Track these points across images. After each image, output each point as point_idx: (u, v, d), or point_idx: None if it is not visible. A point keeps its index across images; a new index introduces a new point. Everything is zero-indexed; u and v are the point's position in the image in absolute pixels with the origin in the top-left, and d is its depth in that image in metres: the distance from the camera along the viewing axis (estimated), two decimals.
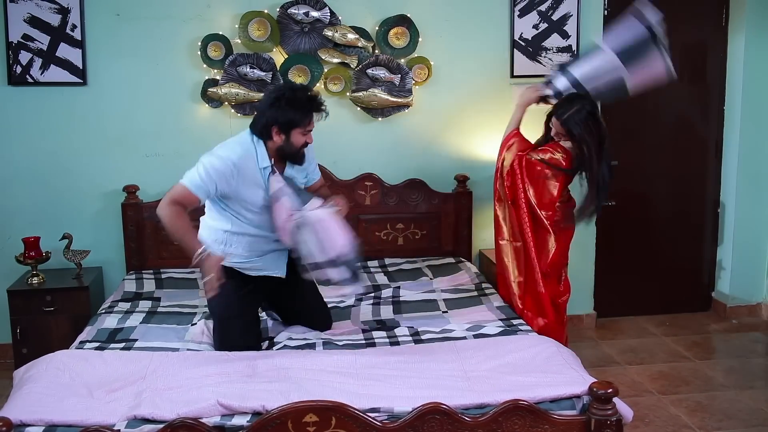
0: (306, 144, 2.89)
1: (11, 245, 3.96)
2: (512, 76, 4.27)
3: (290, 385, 2.40)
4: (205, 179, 2.77)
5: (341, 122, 4.16)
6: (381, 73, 4.08)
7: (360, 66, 4.09)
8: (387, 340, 3.01)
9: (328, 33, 4.03)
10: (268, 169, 2.86)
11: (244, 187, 2.84)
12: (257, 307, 3.12)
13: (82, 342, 2.99)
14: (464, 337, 2.98)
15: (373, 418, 2.19)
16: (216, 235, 2.97)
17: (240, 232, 2.94)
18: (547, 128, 3.38)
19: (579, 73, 3.30)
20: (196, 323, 3.18)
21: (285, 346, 2.91)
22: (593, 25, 4.30)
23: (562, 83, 3.33)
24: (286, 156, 2.89)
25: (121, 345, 2.95)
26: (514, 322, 3.17)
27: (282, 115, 2.78)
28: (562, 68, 3.37)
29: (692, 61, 4.59)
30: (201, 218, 3.09)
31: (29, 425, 2.18)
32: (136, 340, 3.00)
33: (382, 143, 4.24)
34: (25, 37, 3.87)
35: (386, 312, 3.38)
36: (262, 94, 3.99)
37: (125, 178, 4.03)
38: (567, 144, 3.28)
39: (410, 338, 3.03)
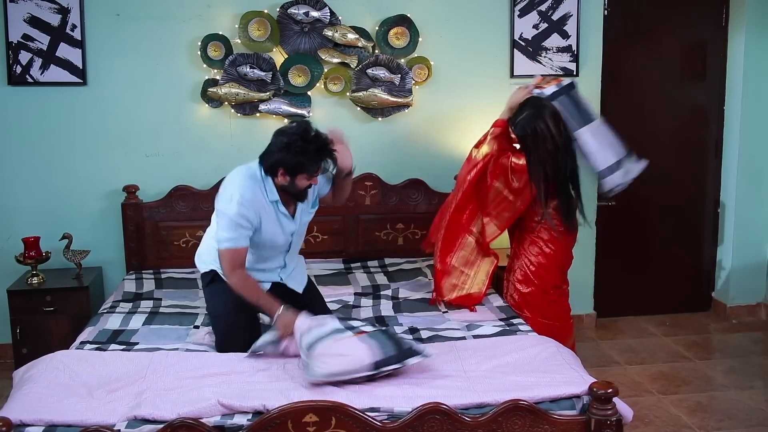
0: (311, 185, 2.87)
1: (11, 245, 3.96)
2: (512, 76, 4.27)
3: (290, 385, 2.40)
4: (236, 229, 2.78)
5: (341, 122, 4.14)
6: (381, 73, 4.08)
7: (360, 66, 4.09)
8: None
9: (328, 33, 4.03)
10: (277, 204, 2.87)
11: (262, 222, 2.86)
12: (257, 317, 3.06)
13: (83, 342, 2.98)
14: (464, 337, 2.98)
15: (372, 418, 2.19)
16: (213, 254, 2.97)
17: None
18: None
19: (567, 104, 3.32)
20: (199, 326, 3.17)
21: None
22: (593, 25, 4.30)
23: (550, 91, 3.35)
24: (289, 194, 2.88)
25: (122, 347, 2.94)
26: (514, 321, 3.17)
27: (291, 160, 2.74)
28: (561, 90, 3.35)
29: (692, 61, 4.60)
30: (206, 233, 3.14)
31: (29, 425, 2.18)
32: (137, 342, 2.99)
33: (382, 143, 4.24)
34: (25, 37, 3.87)
35: (387, 311, 3.37)
36: (262, 94, 4.00)
37: (125, 178, 4.03)
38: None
39: (409, 338, 3.02)
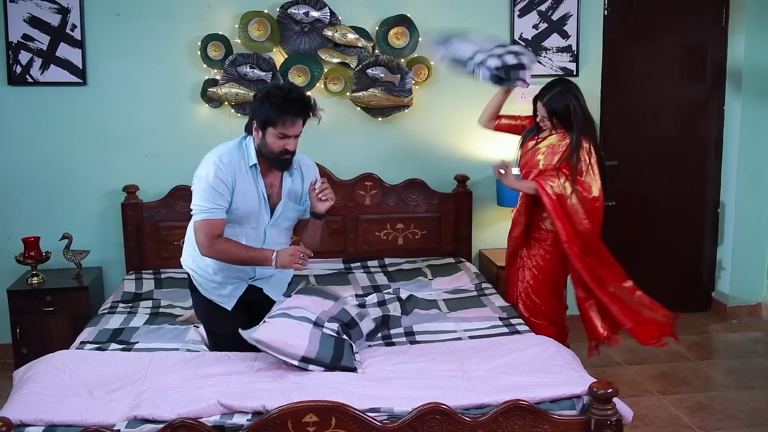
0: (286, 150, 2.68)
1: (11, 245, 3.96)
2: None
3: (290, 385, 2.40)
4: (212, 198, 2.66)
5: (341, 122, 4.16)
6: (381, 73, 4.08)
7: (360, 66, 4.09)
8: (382, 341, 3.01)
9: (328, 33, 4.03)
10: (256, 168, 2.72)
11: (237, 187, 2.70)
12: (245, 320, 2.81)
13: (82, 342, 2.98)
14: (464, 338, 2.98)
15: (372, 418, 2.19)
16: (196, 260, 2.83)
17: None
18: (535, 115, 3.41)
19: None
20: (198, 326, 3.17)
21: None
22: (593, 25, 4.30)
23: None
24: (266, 158, 2.71)
25: (121, 347, 2.94)
26: (514, 321, 3.17)
27: (260, 111, 2.65)
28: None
29: (692, 61, 4.59)
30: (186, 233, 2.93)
31: (29, 425, 2.18)
32: (136, 342, 2.99)
33: (382, 143, 4.24)
34: (25, 37, 3.87)
35: (395, 313, 3.36)
36: None
37: (125, 178, 4.03)
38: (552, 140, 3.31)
39: (409, 339, 3.02)
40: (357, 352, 2.68)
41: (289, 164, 2.76)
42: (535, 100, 3.36)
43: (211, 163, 2.68)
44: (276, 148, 2.67)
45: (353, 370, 2.59)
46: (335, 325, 2.68)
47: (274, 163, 2.72)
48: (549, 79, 4.20)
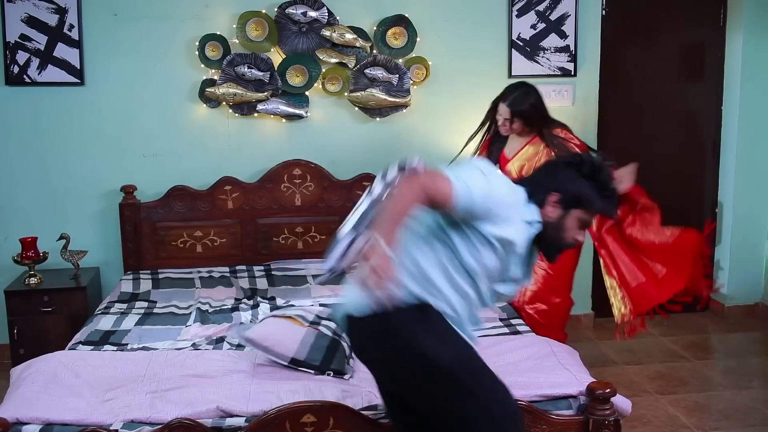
0: (575, 241, 2.03)
1: (9, 245, 3.95)
2: (510, 75, 4.26)
3: (291, 385, 2.40)
4: (480, 185, 1.88)
5: (339, 122, 4.16)
6: (379, 73, 4.08)
7: (358, 66, 4.09)
8: None
9: (326, 33, 4.03)
10: (534, 227, 1.99)
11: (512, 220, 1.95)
12: None
13: (76, 343, 2.97)
14: None
15: (370, 417, 2.18)
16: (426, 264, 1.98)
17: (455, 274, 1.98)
18: (493, 121, 3.44)
19: None
20: (190, 325, 3.15)
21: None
22: (591, 25, 4.31)
23: None
24: (545, 237, 2.01)
25: (114, 348, 2.92)
26: (514, 322, 3.16)
27: (577, 187, 1.98)
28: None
29: (690, 61, 4.60)
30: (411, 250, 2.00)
31: (26, 423, 2.17)
32: (127, 344, 2.97)
33: (380, 143, 4.23)
34: (23, 37, 3.86)
35: None
36: (260, 94, 4.00)
37: (123, 178, 4.02)
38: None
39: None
40: (352, 356, 2.63)
41: (555, 255, 2.09)
42: (495, 103, 3.40)
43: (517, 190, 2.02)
44: (569, 236, 2.02)
45: (343, 373, 2.57)
46: (333, 324, 2.68)
47: (547, 245, 2.05)
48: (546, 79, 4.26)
